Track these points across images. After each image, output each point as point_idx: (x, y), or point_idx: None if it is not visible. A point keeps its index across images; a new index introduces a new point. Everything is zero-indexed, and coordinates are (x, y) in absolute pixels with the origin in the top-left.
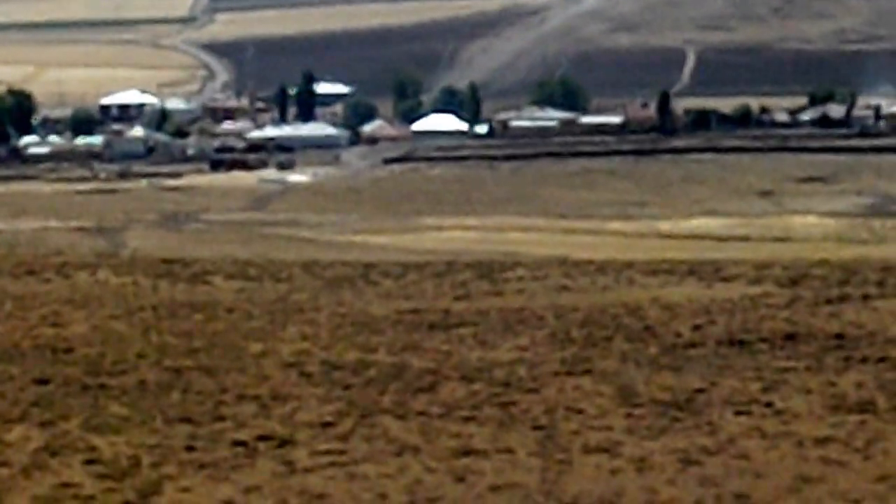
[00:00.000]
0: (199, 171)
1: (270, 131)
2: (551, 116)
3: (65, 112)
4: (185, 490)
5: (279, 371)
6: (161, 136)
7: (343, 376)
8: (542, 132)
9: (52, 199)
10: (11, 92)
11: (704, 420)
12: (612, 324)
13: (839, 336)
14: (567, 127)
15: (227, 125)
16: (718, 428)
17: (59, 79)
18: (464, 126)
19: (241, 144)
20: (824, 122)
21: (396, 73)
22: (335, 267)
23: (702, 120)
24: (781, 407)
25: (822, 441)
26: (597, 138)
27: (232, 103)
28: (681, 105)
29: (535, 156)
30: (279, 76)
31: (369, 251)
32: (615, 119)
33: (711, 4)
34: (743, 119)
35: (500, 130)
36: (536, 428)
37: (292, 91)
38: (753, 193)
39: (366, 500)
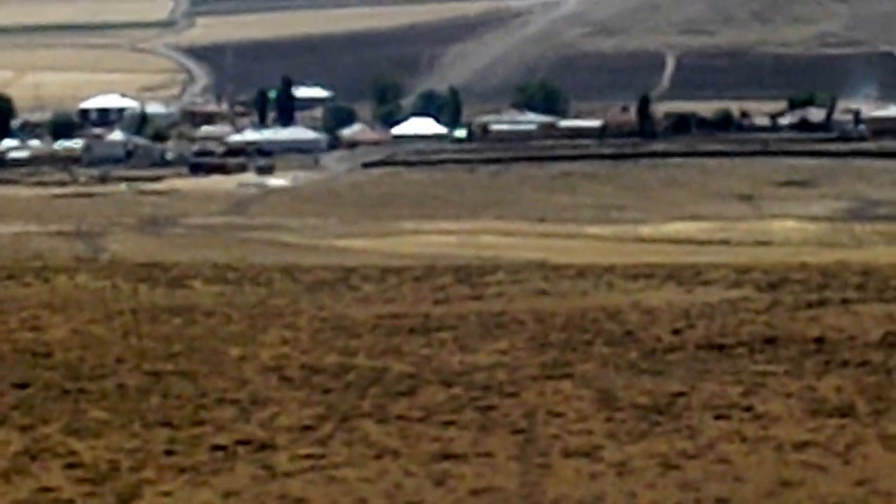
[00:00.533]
0: (179, 175)
1: (250, 135)
2: (531, 120)
3: (44, 116)
4: (165, 494)
5: (259, 375)
6: (141, 140)
7: (323, 380)
8: (522, 136)
9: (31, 203)
10: None
11: (684, 424)
12: (592, 328)
13: (819, 340)
14: (547, 131)
15: (207, 129)
16: (698, 432)
17: (38, 83)
18: (443, 130)
19: (220, 148)
20: (804, 126)
21: (376, 76)
22: (315, 271)
23: (682, 124)
24: (761, 411)
25: (801, 445)
26: (577, 142)
27: (211, 107)
28: (661, 109)
29: (515, 159)
30: (259, 80)
31: (349, 255)
32: (595, 123)
33: (691, 8)
34: (723, 123)
35: (480, 134)
36: (516, 432)
37: (272, 95)
38: (733, 197)
39: None
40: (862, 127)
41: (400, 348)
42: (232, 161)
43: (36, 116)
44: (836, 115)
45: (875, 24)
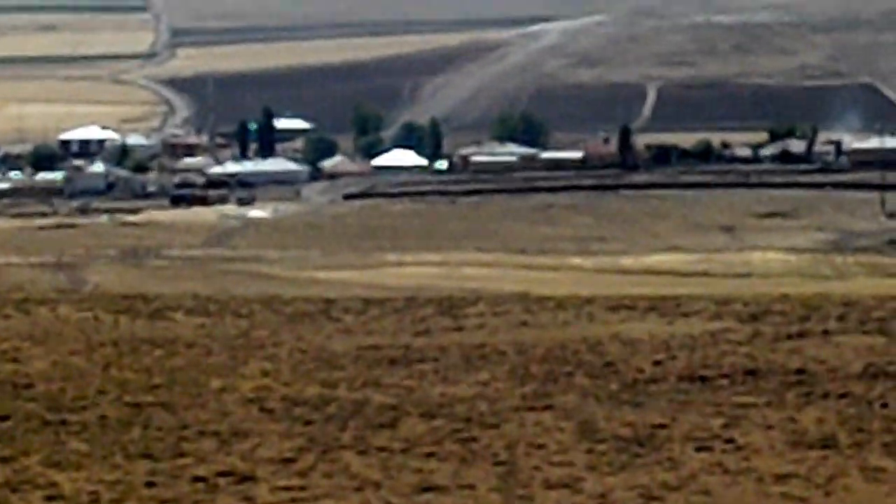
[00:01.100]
0: (160, 207)
1: (231, 167)
2: (512, 152)
3: (25, 148)
4: None
5: (240, 407)
6: (122, 172)
7: (304, 412)
8: (503, 167)
9: (12, 234)
10: None
11: (665, 456)
12: (573, 359)
13: (800, 372)
14: (528, 162)
15: (188, 161)
16: (679, 464)
17: (19, 114)
18: (424, 161)
19: (201, 180)
20: (785, 157)
21: (357, 108)
22: (296, 303)
23: (663, 155)
24: (742, 443)
25: (783, 477)
26: (558, 173)
27: (192, 139)
28: (642, 140)
29: (496, 191)
30: (240, 112)
31: (330, 287)
32: (576, 154)
33: (672, 40)
34: (704, 154)
35: (461, 166)
36: (497, 463)
37: (253, 127)
38: (714, 229)
39: None
40: (843, 158)
41: (381, 380)
42: (213, 193)
43: (17, 148)
44: (818, 147)
45: (856, 56)
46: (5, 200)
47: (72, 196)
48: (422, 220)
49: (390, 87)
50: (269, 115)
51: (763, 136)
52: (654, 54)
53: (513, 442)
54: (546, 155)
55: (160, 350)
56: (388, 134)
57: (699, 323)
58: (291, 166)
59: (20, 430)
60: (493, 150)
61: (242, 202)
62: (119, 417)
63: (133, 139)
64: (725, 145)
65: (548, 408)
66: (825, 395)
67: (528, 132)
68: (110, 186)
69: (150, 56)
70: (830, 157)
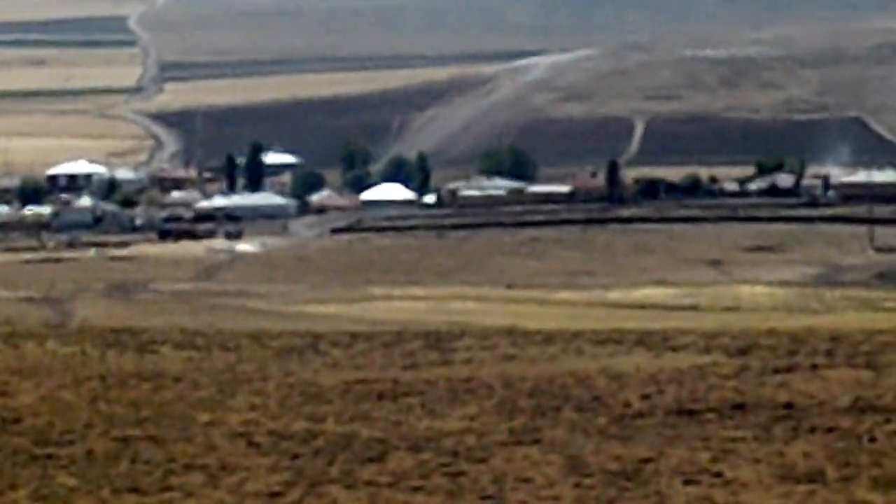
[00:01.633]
0: (148, 241)
1: (219, 201)
2: (500, 186)
3: (12, 182)
4: None
5: (227, 441)
6: (109, 206)
7: (291, 446)
8: (491, 202)
9: None
10: None
11: (653, 490)
12: (561, 393)
13: (788, 406)
14: (515, 196)
15: (176, 195)
16: (667, 498)
17: (6, 148)
18: (412, 195)
19: (189, 214)
20: (773, 191)
21: (345, 142)
22: (283, 337)
23: (650, 189)
24: (730, 477)
25: None
26: (545, 207)
27: (180, 173)
28: (629, 174)
29: (484, 225)
30: (227, 146)
31: (318, 321)
32: (564, 188)
33: (660, 74)
34: (691, 188)
35: (449, 200)
36: (485, 498)
37: (240, 161)
38: (702, 263)
39: None
40: (831, 192)
41: (369, 414)
42: (201, 227)
43: (4, 182)
44: (805, 181)
45: (844, 90)
46: None
47: (59, 230)
48: (409, 254)
49: (378, 122)
50: (256, 150)
51: (751, 170)
52: (641, 88)
53: (500, 476)
54: (534, 189)
55: (148, 384)
56: (375, 168)
57: (687, 357)
58: (279, 200)
59: (7, 464)
60: (481, 185)
61: (230, 236)
62: (107, 451)
63: (121, 173)
64: (713, 179)
65: (535, 442)
66: (813, 430)
67: (516, 166)
68: (98, 220)
69: (137, 90)
70: (818, 191)
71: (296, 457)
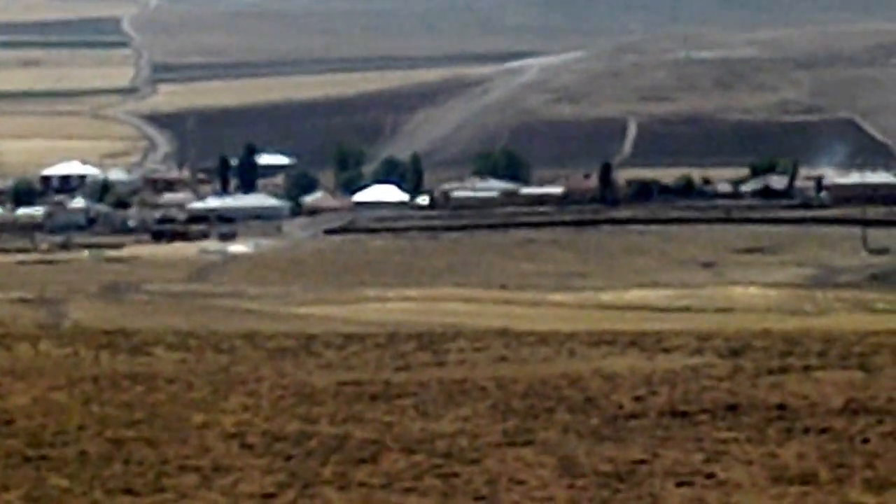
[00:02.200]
0: (141, 242)
1: (212, 202)
2: (493, 187)
3: (6, 183)
4: None
5: (221, 442)
6: (102, 208)
7: (285, 447)
8: (484, 203)
9: None
10: None
11: (646, 491)
12: (554, 395)
13: (781, 407)
14: (509, 198)
15: (169, 196)
16: (660, 499)
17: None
18: (405, 197)
19: (182, 215)
20: (766, 192)
21: (338, 144)
22: (277, 338)
23: (644, 191)
24: (723, 478)
25: None
26: (539, 209)
27: (173, 174)
28: (623, 176)
29: (477, 227)
30: (221, 147)
31: (311, 322)
32: (557, 190)
33: (653, 75)
34: (685, 190)
35: (442, 201)
36: (478, 499)
37: (234, 162)
38: (695, 264)
39: None
40: (823, 194)
41: (362, 415)
42: (194, 228)
43: None
44: (799, 182)
45: (837, 92)
46: None
47: (52, 231)
48: (403, 255)
49: (371, 123)
50: (250, 151)
51: (744, 171)
52: (634, 90)
53: (493, 477)
54: (527, 190)
55: (141, 385)
56: (369, 169)
57: (680, 358)
58: (272, 202)
59: (0, 466)
60: (475, 186)
61: (223, 237)
62: (100, 453)
63: (114, 174)
64: (706, 181)
65: (529, 443)
66: (806, 431)
67: (510, 167)
68: (91, 222)
69: (131, 91)
70: (811, 193)
71: (289, 458)
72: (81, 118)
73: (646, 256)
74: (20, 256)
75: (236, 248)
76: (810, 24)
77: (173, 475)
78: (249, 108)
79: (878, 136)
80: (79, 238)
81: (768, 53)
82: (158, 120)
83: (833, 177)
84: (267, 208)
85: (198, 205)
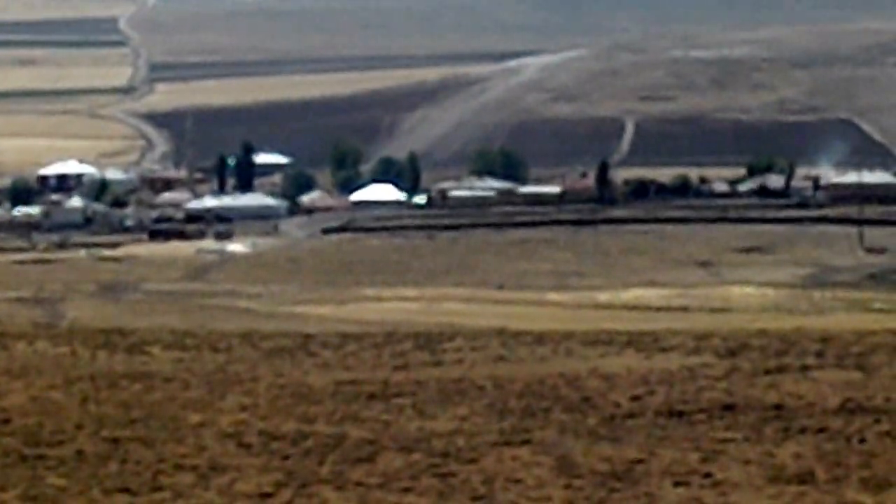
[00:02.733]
0: (138, 242)
1: (209, 202)
2: (490, 186)
3: (3, 182)
4: None
5: (218, 441)
6: (100, 207)
7: (282, 447)
8: (482, 202)
9: None
10: None
11: (643, 491)
12: (551, 394)
13: (778, 407)
14: (506, 197)
15: (166, 195)
16: (657, 499)
17: None
18: (403, 196)
19: (179, 215)
20: (763, 192)
21: (335, 143)
22: (274, 337)
23: (641, 190)
24: (720, 478)
25: None
26: (536, 208)
27: (171, 174)
28: (620, 175)
29: (474, 226)
30: (218, 146)
31: (308, 322)
32: (554, 189)
33: (650, 74)
34: (682, 189)
35: (440, 200)
36: (475, 498)
37: (231, 161)
38: (692, 264)
39: None
40: (819, 193)
41: (359, 415)
42: (191, 227)
43: None
44: (796, 182)
45: (834, 92)
46: None
47: (49, 230)
48: (400, 254)
49: (369, 122)
50: (247, 150)
51: (741, 171)
52: (632, 89)
53: (490, 477)
54: (524, 190)
55: (138, 384)
56: (366, 168)
57: (677, 358)
58: (269, 201)
59: None
60: (472, 185)
61: (220, 237)
62: (97, 452)
63: (111, 174)
64: (703, 180)
65: (526, 442)
66: (803, 431)
67: (507, 167)
68: (88, 221)
69: (128, 90)
70: (808, 192)
71: (286, 457)
72: (79, 117)
73: (643, 256)
74: (17, 256)
75: (233, 247)
76: (808, 24)
77: (170, 474)
78: (247, 107)
79: (876, 136)
80: (76, 237)
81: (766, 53)
82: (156, 119)
83: (830, 176)
84: (264, 207)
85: (195, 204)
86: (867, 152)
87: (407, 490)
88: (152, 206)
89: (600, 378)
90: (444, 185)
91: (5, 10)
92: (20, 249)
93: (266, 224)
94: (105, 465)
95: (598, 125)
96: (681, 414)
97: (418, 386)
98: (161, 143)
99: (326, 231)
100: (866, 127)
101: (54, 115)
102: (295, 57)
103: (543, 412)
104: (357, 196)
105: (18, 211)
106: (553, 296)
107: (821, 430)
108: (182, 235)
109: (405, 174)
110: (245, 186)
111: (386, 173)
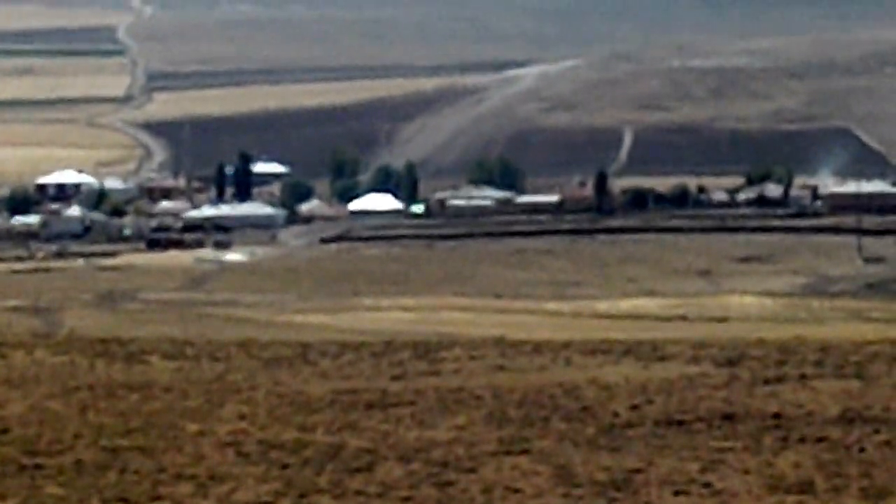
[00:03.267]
0: (136, 251)
1: (207, 211)
2: (488, 196)
3: (1, 191)
4: None
5: (216, 451)
6: (98, 216)
7: (280, 456)
8: (480, 212)
9: None
10: None
11: (642, 500)
12: (550, 404)
13: (777, 416)
14: (504, 206)
15: (164, 205)
16: None
17: None
18: (401, 205)
19: (177, 224)
20: (762, 201)
21: (333, 152)
22: (272, 347)
23: (639, 199)
24: (719, 487)
25: None
26: (534, 218)
27: (169, 183)
28: (618, 184)
29: (472, 235)
30: (216, 156)
31: (307, 331)
32: (552, 198)
33: (648, 84)
34: (680, 199)
35: (438, 210)
36: None
37: (229, 170)
38: (691, 273)
39: None
40: (817, 203)
41: (357, 424)
42: (189, 236)
43: None
44: (794, 191)
45: (832, 101)
46: None
47: (48, 240)
48: (398, 263)
49: (367, 132)
50: (245, 159)
51: (739, 180)
52: (630, 98)
53: (490, 486)
54: (522, 199)
55: (136, 394)
56: (364, 178)
57: (676, 367)
58: (268, 210)
59: None
60: (470, 194)
61: (219, 246)
62: (95, 461)
63: (109, 183)
64: (702, 189)
65: (524, 452)
66: (802, 440)
67: (505, 176)
68: (87, 230)
69: (126, 100)
70: (807, 202)
71: (285, 466)
72: (77, 126)
73: (641, 265)
74: (16, 265)
75: (232, 256)
76: (805, 33)
77: (169, 484)
78: (245, 116)
79: (874, 145)
80: (74, 246)
81: (763, 62)
82: (154, 128)
83: (828, 186)
84: (262, 217)
85: (193, 213)
86: (865, 161)
87: (406, 499)
88: (150, 216)
89: (599, 387)
90: (442, 194)
91: (2, 19)
92: (19, 258)
93: (264, 233)
94: (104, 475)
95: (595, 135)
96: (680, 423)
97: (417, 395)
98: (159, 153)
99: (325, 240)
100: (864, 136)
101: (52, 124)
102: (293, 66)
103: (542, 422)
104: (355, 205)
105: (17, 220)
106: (551, 305)
107: (820, 440)
108: (180, 244)
109: (403, 183)
110: (243, 196)
111: (384, 182)
